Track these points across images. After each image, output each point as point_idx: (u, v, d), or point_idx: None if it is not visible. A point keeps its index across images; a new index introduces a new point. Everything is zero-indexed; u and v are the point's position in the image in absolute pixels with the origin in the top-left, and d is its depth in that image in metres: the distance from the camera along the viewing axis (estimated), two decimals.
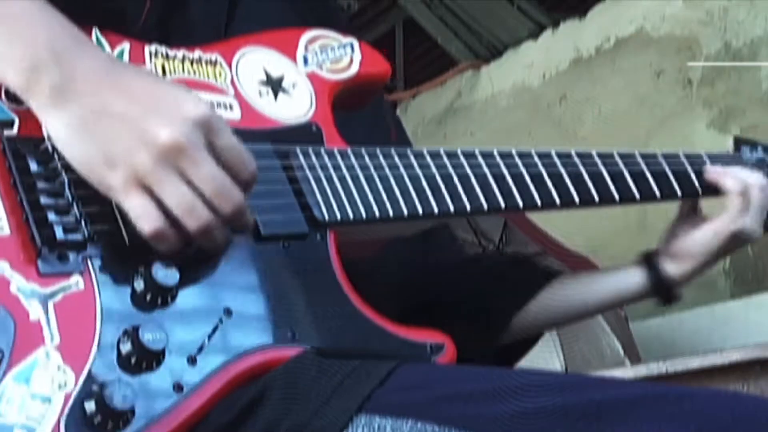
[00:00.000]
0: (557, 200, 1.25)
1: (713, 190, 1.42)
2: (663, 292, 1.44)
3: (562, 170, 1.27)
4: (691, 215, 1.43)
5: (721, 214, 1.39)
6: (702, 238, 1.40)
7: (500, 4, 5.20)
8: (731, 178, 1.38)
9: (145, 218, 0.93)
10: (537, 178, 1.24)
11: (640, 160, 1.36)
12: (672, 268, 1.42)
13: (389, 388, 0.94)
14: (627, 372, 2.58)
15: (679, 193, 1.37)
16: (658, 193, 1.35)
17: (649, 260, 1.43)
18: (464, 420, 0.88)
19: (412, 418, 0.89)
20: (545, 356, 3.63)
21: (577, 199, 1.27)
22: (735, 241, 1.40)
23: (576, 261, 3.37)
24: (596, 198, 1.30)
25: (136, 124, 0.94)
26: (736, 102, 4.10)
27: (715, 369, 2.27)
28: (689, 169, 1.40)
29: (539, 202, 1.23)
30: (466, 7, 5.29)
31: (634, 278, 1.44)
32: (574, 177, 1.28)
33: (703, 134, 4.19)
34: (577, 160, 1.29)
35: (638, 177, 1.34)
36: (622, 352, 3.47)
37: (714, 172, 1.39)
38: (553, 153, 1.28)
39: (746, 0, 4.13)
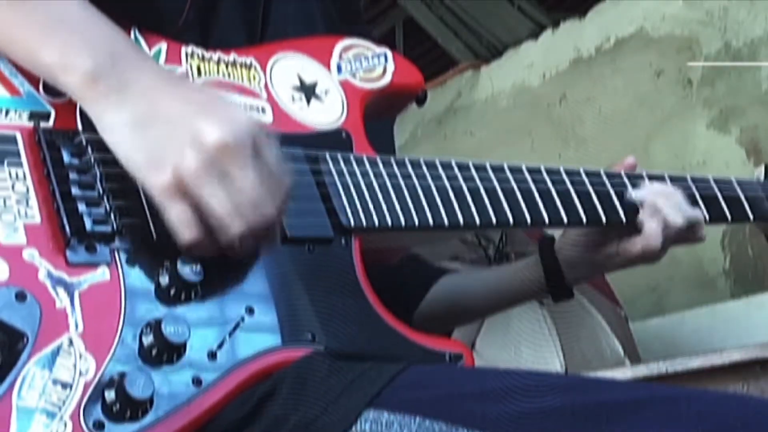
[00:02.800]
0: (583, 218, 1.27)
1: (744, 216, 1.42)
2: (557, 288, 1.44)
3: (590, 189, 1.29)
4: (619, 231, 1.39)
5: (625, 246, 1.36)
6: (601, 257, 1.39)
7: (500, 4, 5.20)
8: (655, 224, 1.33)
9: (185, 227, 0.96)
10: (564, 195, 1.26)
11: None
12: (566, 272, 1.42)
13: (398, 385, 0.95)
14: (627, 372, 2.58)
15: (707, 217, 1.39)
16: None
17: (549, 260, 1.43)
18: (472, 419, 0.88)
19: (420, 416, 0.90)
20: (545, 356, 3.63)
21: (604, 219, 1.29)
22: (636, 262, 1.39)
23: None
24: (624, 220, 1.32)
25: (188, 124, 0.96)
26: (736, 102, 4.09)
27: (715, 369, 2.27)
28: (719, 195, 1.41)
29: (566, 219, 1.25)
30: (466, 7, 5.29)
31: (530, 273, 1.45)
32: (602, 196, 1.30)
33: (703, 134, 4.19)
34: (606, 179, 1.32)
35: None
36: (622, 352, 3.47)
37: (645, 214, 1.34)
38: (582, 171, 1.31)
39: (746, 0, 4.13)
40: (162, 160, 0.95)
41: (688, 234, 1.37)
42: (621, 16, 4.65)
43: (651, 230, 1.33)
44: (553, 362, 3.63)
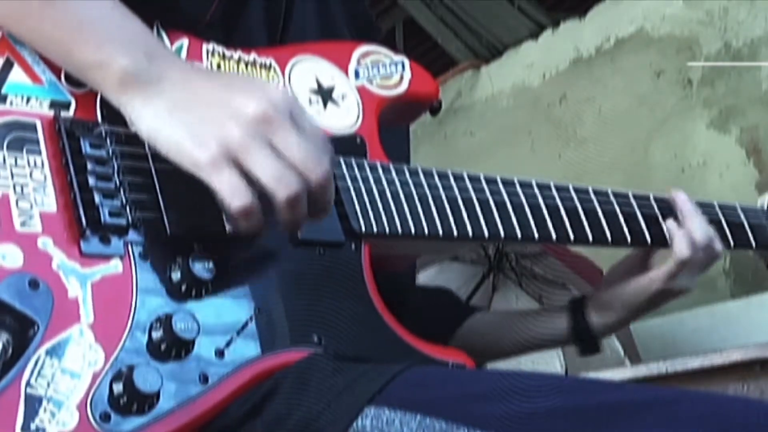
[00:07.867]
0: (590, 236, 1.29)
1: (747, 243, 1.42)
2: (583, 341, 1.43)
3: (597, 207, 1.31)
4: (635, 266, 1.40)
5: (654, 271, 1.37)
6: (630, 291, 1.39)
7: (500, 4, 5.20)
8: (685, 241, 1.35)
9: (235, 194, 0.95)
10: (571, 212, 1.27)
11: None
12: (596, 318, 1.40)
13: (400, 383, 0.96)
14: (627, 372, 2.58)
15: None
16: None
17: (576, 307, 1.41)
18: (472, 418, 0.89)
19: (420, 414, 0.91)
20: (545, 356, 3.63)
21: (599, 237, 1.30)
22: (665, 297, 1.39)
23: (576, 261, 3.37)
24: (628, 239, 1.33)
25: (225, 102, 0.97)
26: (736, 102, 4.10)
27: (715, 369, 2.27)
28: (723, 220, 1.42)
29: (572, 236, 1.27)
30: (466, 7, 5.29)
31: (558, 323, 1.44)
32: (608, 215, 1.31)
33: (703, 134, 4.19)
34: (611, 198, 1.33)
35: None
36: (622, 352, 3.47)
37: (671, 229, 1.35)
38: (590, 189, 1.32)
39: (746, 0, 4.13)
40: (205, 136, 0.95)
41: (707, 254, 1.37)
42: (621, 16, 4.65)
43: (679, 241, 1.33)
44: (553, 362, 3.63)
